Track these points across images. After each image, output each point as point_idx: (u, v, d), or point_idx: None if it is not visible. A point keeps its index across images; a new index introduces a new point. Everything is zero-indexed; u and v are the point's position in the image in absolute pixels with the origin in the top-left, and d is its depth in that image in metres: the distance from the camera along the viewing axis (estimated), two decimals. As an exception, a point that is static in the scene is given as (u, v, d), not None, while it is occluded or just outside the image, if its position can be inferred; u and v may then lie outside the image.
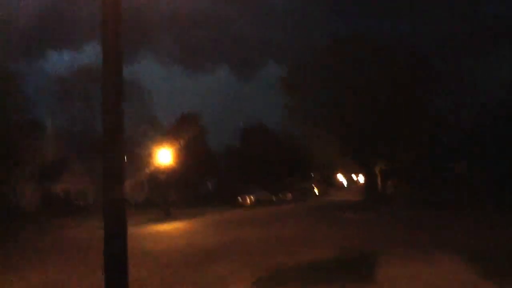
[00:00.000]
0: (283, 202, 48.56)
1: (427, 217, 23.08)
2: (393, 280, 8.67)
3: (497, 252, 10.96)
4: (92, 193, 43.33)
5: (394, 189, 43.71)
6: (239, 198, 45.87)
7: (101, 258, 3.76)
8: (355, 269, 9.83)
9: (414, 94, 35.94)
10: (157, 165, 37.40)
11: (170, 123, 52.50)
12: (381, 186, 43.01)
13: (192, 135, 47.79)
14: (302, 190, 58.64)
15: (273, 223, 23.99)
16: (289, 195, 52.75)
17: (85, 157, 43.36)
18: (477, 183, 33.42)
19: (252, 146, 59.42)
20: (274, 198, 49.11)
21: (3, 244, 18.77)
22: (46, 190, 41.15)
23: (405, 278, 8.80)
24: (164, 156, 36.09)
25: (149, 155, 38.78)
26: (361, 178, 74.80)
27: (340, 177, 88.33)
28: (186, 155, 43.78)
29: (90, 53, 52.61)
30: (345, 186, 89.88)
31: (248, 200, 45.49)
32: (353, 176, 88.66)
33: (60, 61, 73.00)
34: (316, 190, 63.84)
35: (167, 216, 31.13)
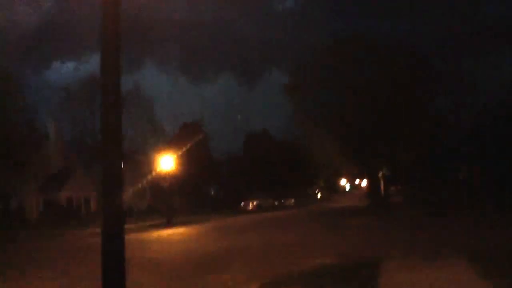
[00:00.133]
0: (286, 207, 48.55)
1: (431, 222, 22.90)
2: (397, 286, 8.64)
3: (503, 256, 10.86)
4: (95, 201, 43.43)
5: (397, 194, 43.68)
6: (242, 204, 45.88)
7: (96, 267, 3.78)
8: (359, 276, 9.75)
9: (415, 94, 35.91)
10: (160, 172, 37.44)
11: (173, 130, 52.66)
12: (384, 191, 42.92)
13: (195, 142, 47.86)
14: (305, 196, 58.60)
15: (275, 229, 23.93)
16: (292, 201, 52.71)
17: (88, 165, 43.51)
18: (478, 185, 33.41)
19: (254, 152, 59.50)
20: (276, 204, 49.09)
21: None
22: (49, 198, 41.24)
23: (410, 284, 8.76)
24: (167, 163, 36.11)
25: (152, 162, 38.83)
26: (363, 183, 74.67)
27: (343, 182, 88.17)
28: (189, 162, 43.82)
29: (95, 63, 52.86)
30: (348, 191, 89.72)
31: (251, 206, 45.48)
32: (356, 181, 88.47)
33: (65, 71, 73.36)
34: (319, 196, 63.77)
35: (170, 223, 31.15)
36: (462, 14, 38.92)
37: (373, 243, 15.47)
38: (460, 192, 32.82)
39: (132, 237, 21.13)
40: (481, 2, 37.72)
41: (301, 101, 39.94)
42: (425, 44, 38.27)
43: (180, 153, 40.39)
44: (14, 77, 35.47)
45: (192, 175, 46.32)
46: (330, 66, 37.37)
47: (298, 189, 59.11)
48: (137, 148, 45.67)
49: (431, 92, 37.13)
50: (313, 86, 38.98)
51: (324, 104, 39.26)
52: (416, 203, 34.40)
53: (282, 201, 51.42)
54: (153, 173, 38.93)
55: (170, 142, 44.43)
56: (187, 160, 42.96)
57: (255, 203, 45.97)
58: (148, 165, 40.11)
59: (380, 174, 42.28)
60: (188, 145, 44.33)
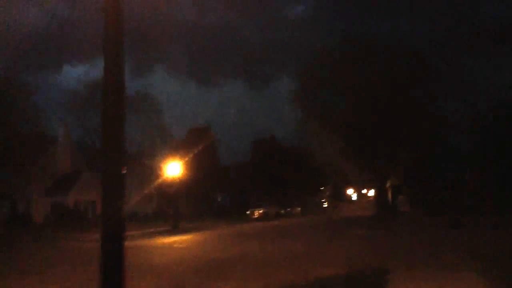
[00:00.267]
0: (292, 216, 48.37)
1: (440, 232, 22.68)
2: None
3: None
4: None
5: (405, 203, 43.39)
6: (249, 211, 45.77)
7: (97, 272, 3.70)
8: (364, 286, 9.64)
9: (418, 95, 35.82)
10: (166, 177, 37.41)
11: (181, 136, 52.73)
12: (392, 201, 42.67)
13: (202, 147, 47.88)
14: (312, 204, 58.38)
15: (281, 238, 23.77)
16: (298, 209, 52.50)
17: (96, 169, 43.62)
18: (479, 186, 33.17)
19: (262, 159, 59.44)
20: (283, 212, 48.90)
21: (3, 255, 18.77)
22: (55, 201, 41.36)
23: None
24: (174, 168, 36.08)
25: (159, 167, 38.83)
26: (371, 193, 74.28)
27: (350, 191, 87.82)
28: (196, 168, 43.81)
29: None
30: (355, 200, 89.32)
31: (257, 214, 45.33)
32: (363, 190, 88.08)
33: (73, 75, 73.88)
34: (325, 204, 63.51)
35: (175, 229, 31.08)
36: (462, 15, 38.73)
37: (379, 254, 15.27)
38: (463, 194, 32.60)
39: (135, 244, 21.07)
40: (480, 3, 37.51)
41: (309, 107, 39.91)
42: (426, 44, 38.22)
43: (187, 158, 40.39)
44: (23, 80, 35.71)
45: (199, 181, 46.30)
46: (337, 69, 37.38)
47: (305, 197, 58.92)
48: (145, 152, 45.75)
49: (433, 93, 37.04)
50: (320, 90, 39.01)
51: (334, 110, 39.23)
52: (423, 211, 34.13)
53: (289, 209, 51.21)
54: (160, 178, 38.94)
55: (177, 147, 44.46)
56: (194, 166, 42.94)
57: (261, 211, 45.82)
58: (155, 170, 40.15)
59: (388, 184, 42.09)
60: (196, 151, 44.34)
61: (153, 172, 40.92)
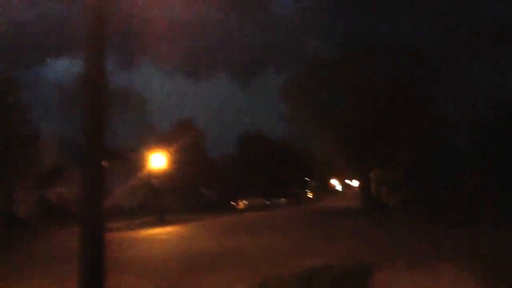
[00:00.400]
0: (277, 207, 48.60)
1: (423, 225, 22.99)
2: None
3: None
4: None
5: (390, 195, 43.78)
6: (234, 203, 45.91)
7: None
8: (349, 279, 9.80)
9: (415, 95, 35.96)
10: (152, 170, 37.37)
11: (167, 129, 52.56)
12: (376, 192, 43.07)
13: (189, 141, 47.79)
14: (297, 195, 58.68)
15: (265, 229, 23.92)
16: (283, 200, 52.76)
17: (81, 163, 43.12)
18: (478, 186, 33.49)
19: (248, 152, 59.56)
20: (268, 203, 49.11)
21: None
22: (42, 196, 41.03)
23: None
24: (159, 161, 36.07)
25: (145, 160, 38.74)
26: (355, 183, 74.93)
27: (335, 182, 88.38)
28: (182, 161, 43.74)
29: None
30: (339, 191, 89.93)
31: (242, 205, 45.51)
32: (347, 181, 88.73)
33: (60, 69, 72.79)
34: (310, 195, 63.87)
35: (160, 221, 31.12)
36: (462, 15, 38.76)
37: (364, 246, 15.53)
38: (460, 194, 32.91)
39: (120, 236, 21.14)
40: (480, 3, 37.61)
41: (298, 102, 40.03)
42: (426, 44, 38.23)
43: (173, 151, 40.33)
44: (4, 74, 35.24)
45: (185, 173, 46.23)
46: (330, 68, 37.46)
47: (290, 188, 59.20)
48: (130, 145, 45.54)
49: (433, 93, 37.22)
50: (311, 87, 39.07)
51: (321, 105, 39.34)
52: (409, 204, 34.50)
53: (274, 200, 51.46)
54: (146, 171, 38.86)
55: (163, 140, 44.32)
56: (180, 159, 42.88)
57: (246, 202, 46.00)
58: (141, 163, 40.02)
59: (371, 175, 42.44)
60: (181, 144, 44.26)
61: (138, 165, 40.78)
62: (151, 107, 55.69)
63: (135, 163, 41.17)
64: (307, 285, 9.44)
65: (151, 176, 38.82)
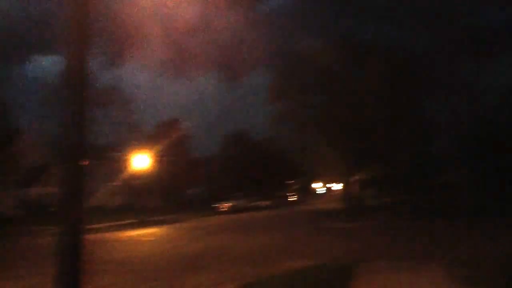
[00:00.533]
0: (261, 209, 48.52)
1: (408, 226, 23.11)
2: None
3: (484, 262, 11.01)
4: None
5: (373, 197, 44.03)
6: (218, 204, 45.73)
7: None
8: (331, 279, 9.78)
9: (402, 97, 36.07)
10: (135, 170, 37.11)
11: (152, 129, 52.29)
12: (360, 195, 43.25)
13: (173, 141, 47.59)
14: (280, 197, 58.69)
15: (250, 230, 23.89)
16: (267, 202, 52.69)
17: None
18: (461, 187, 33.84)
19: (233, 153, 59.52)
20: (252, 205, 49.00)
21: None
22: (23, 195, 40.52)
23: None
24: (143, 161, 35.83)
25: (128, 160, 38.48)
26: (338, 186, 75.27)
27: (318, 185, 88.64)
28: (166, 161, 43.56)
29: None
30: (322, 193, 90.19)
31: (226, 207, 45.36)
32: (331, 184, 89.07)
33: (45, 66, 71.91)
34: (293, 198, 63.94)
35: (143, 222, 30.87)
36: (453, 18, 38.64)
37: (347, 246, 15.55)
38: (443, 195, 33.26)
39: (102, 237, 20.91)
40: (473, 7, 37.66)
41: (283, 103, 40.02)
42: (412, 47, 38.13)
43: (156, 151, 40.14)
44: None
45: (170, 174, 46.03)
46: (317, 68, 37.41)
47: (273, 190, 59.21)
48: (114, 145, 45.20)
49: (419, 94, 37.37)
50: (296, 88, 39.06)
51: (306, 107, 39.37)
52: (393, 206, 34.76)
53: (258, 202, 51.36)
54: (129, 171, 38.61)
55: (148, 140, 44.08)
56: (163, 159, 42.70)
57: (230, 204, 45.85)
58: (124, 163, 39.73)
59: (355, 178, 42.62)
60: (165, 144, 44.05)
61: (121, 165, 40.48)
62: (136, 106, 55.39)
63: (119, 163, 40.87)
64: (288, 286, 9.40)
65: (135, 176, 38.55)
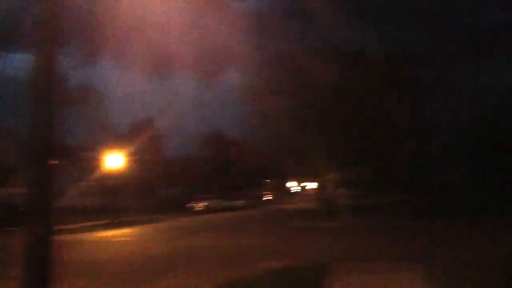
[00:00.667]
0: (236, 208, 48.49)
1: (381, 226, 23.37)
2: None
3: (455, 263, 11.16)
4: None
5: (347, 197, 44.38)
6: (193, 204, 45.51)
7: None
8: (305, 279, 9.80)
9: (382, 100, 36.31)
10: (108, 170, 36.62)
11: (125, 128, 51.73)
12: (334, 194, 43.54)
13: (148, 140, 47.15)
14: (255, 197, 58.71)
15: (224, 230, 23.85)
16: (242, 202, 52.65)
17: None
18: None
19: (209, 153, 59.32)
20: (227, 205, 48.90)
21: None
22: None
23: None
24: (116, 161, 35.38)
25: (101, 160, 37.93)
26: (313, 185, 75.71)
27: (293, 184, 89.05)
28: (140, 161, 43.14)
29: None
30: (297, 193, 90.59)
31: (201, 207, 45.17)
32: (305, 183, 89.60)
33: (11, 63, 70.23)
34: (269, 197, 64.04)
35: (116, 222, 30.48)
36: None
37: (322, 246, 15.63)
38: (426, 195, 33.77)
39: (74, 238, 20.59)
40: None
41: (259, 103, 40.01)
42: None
43: (130, 151, 39.69)
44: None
45: (143, 174, 45.61)
46: (292, 70, 37.46)
47: (248, 190, 59.22)
48: (86, 145, 44.56)
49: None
50: (271, 89, 39.08)
51: (281, 107, 39.42)
52: (367, 206, 35.20)
53: (234, 202, 51.27)
54: (102, 171, 38.06)
55: (121, 139, 43.56)
56: (138, 159, 42.26)
57: (205, 204, 45.67)
58: (97, 162, 39.18)
59: (330, 177, 42.93)
60: (139, 143, 43.62)
61: (95, 164, 39.89)
62: (110, 105, 54.70)
63: (93, 163, 40.28)
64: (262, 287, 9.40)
65: (109, 176, 38.02)
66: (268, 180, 70.21)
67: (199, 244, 17.27)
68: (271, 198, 63.81)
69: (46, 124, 3.79)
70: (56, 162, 3.86)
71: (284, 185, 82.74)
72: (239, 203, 51.78)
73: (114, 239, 21.40)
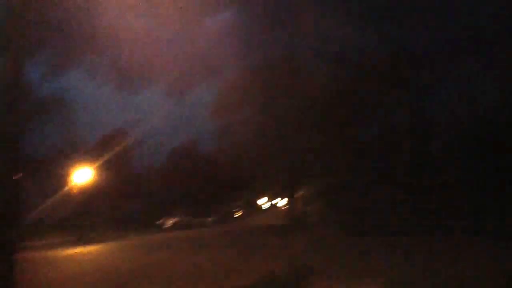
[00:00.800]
0: (205, 225, 48.16)
1: (349, 243, 23.52)
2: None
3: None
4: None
5: (315, 214, 44.60)
6: (162, 221, 45.03)
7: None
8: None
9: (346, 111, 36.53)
10: (75, 184, 35.94)
11: (94, 141, 50.87)
12: (303, 211, 43.71)
13: (117, 154, 46.51)
14: (225, 214, 58.44)
15: (192, 248, 23.65)
16: (211, 219, 52.35)
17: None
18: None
19: (178, 168, 58.78)
20: (197, 221, 48.53)
21: None
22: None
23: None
24: (84, 175, 34.79)
25: (68, 174, 37.21)
26: (283, 202, 75.81)
27: (263, 200, 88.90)
28: (109, 175, 42.45)
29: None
30: (267, 209, 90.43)
31: (169, 223, 44.72)
32: (276, 199, 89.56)
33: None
34: (238, 214, 63.85)
35: (82, 239, 29.77)
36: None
37: (291, 263, 15.60)
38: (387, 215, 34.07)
39: (39, 255, 20.07)
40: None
41: (227, 117, 40.05)
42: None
43: (98, 164, 39.09)
44: None
45: (112, 188, 44.84)
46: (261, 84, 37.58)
47: (218, 207, 58.88)
48: (52, 158, 43.62)
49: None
50: (239, 102, 39.14)
51: (248, 121, 39.49)
52: (340, 228, 35.39)
53: (202, 219, 50.88)
54: (69, 185, 37.35)
55: (90, 153, 42.83)
56: (106, 172, 41.58)
57: (173, 220, 45.22)
58: (64, 176, 38.41)
59: (299, 193, 43.13)
60: (108, 157, 42.98)
61: (61, 178, 39.08)
62: (80, 118, 53.76)
63: (59, 177, 39.48)
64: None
65: (76, 190, 37.30)
66: (238, 196, 69.98)
67: (164, 263, 17.07)
68: (241, 214, 63.61)
69: (12, 137, 3.73)
70: (20, 175, 3.80)
71: (255, 202, 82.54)
72: (209, 219, 51.46)
73: (78, 257, 20.94)
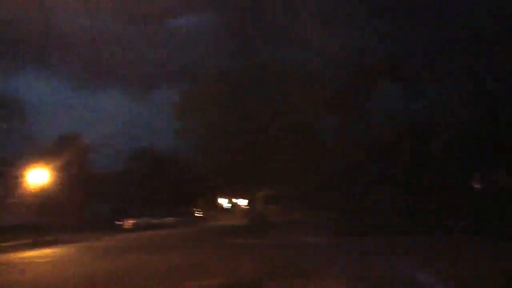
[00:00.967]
0: (166, 226, 47.96)
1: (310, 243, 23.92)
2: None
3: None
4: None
5: (276, 214, 45.14)
6: (121, 222, 44.60)
7: None
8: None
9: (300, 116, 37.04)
10: (34, 186, 35.27)
11: (50, 143, 49.86)
12: (263, 210, 44.18)
13: (74, 155, 45.77)
14: (185, 214, 58.28)
15: (153, 249, 23.61)
16: (172, 219, 52.13)
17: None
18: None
19: (138, 169, 58.27)
20: (156, 222, 48.25)
21: None
22: None
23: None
24: (40, 176, 34.16)
25: (26, 176, 36.45)
26: (243, 202, 76.18)
27: (224, 200, 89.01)
28: (66, 177, 41.79)
29: None
30: (227, 209, 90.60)
31: (129, 224, 44.36)
32: (237, 200, 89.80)
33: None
34: (200, 214, 63.76)
35: (39, 242, 29.26)
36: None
37: (254, 263, 15.82)
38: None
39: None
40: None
41: (189, 119, 40.07)
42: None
43: (55, 166, 38.43)
44: None
45: (70, 190, 44.14)
46: (221, 85, 37.79)
47: (178, 207, 58.71)
48: (9, 159, 42.59)
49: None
50: (201, 104, 39.24)
51: (211, 123, 39.63)
52: (295, 223, 35.89)
53: (163, 219, 50.64)
54: (26, 187, 36.62)
55: (46, 154, 42.00)
56: (63, 174, 40.93)
57: (133, 221, 44.88)
58: (21, 178, 37.61)
59: (260, 194, 43.57)
60: (66, 158, 42.28)
61: (18, 180, 38.23)
62: (35, 118, 52.56)
63: (16, 179, 38.64)
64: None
65: (33, 192, 36.58)
66: (199, 197, 69.88)
67: (124, 265, 16.97)
68: (202, 215, 63.53)
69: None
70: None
71: (216, 202, 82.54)
72: (169, 220, 51.25)
73: (36, 260, 20.59)
